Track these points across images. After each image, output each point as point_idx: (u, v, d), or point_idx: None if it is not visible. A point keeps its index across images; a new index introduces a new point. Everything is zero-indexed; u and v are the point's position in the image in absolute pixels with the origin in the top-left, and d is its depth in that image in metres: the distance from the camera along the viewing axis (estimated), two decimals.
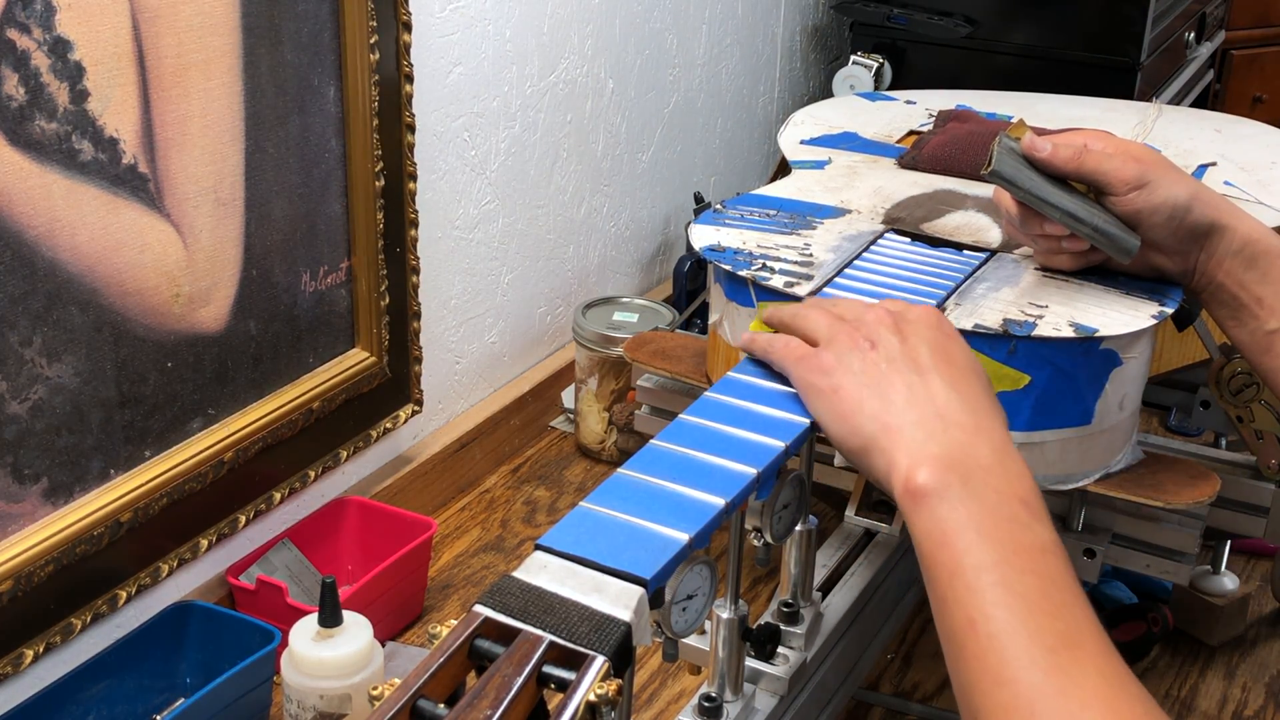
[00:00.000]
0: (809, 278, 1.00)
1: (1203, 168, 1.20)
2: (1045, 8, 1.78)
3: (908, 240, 1.09)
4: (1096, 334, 0.93)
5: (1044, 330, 0.94)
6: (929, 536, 0.71)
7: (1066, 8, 1.76)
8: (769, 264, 1.01)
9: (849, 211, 1.13)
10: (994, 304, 0.97)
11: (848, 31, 1.93)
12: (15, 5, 0.89)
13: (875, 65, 1.84)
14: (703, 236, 1.06)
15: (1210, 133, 1.30)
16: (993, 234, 1.09)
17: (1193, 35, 1.99)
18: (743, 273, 1.01)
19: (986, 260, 1.06)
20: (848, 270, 1.02)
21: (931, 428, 0.75)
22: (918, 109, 1.39)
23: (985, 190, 1.18)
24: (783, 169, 1.37)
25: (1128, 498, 0.99)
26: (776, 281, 0.99)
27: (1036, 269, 1.02)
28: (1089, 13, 1.75)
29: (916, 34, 1.84)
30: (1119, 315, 0.95)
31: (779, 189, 1.18)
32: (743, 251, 1.04)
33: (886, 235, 1.10)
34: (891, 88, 1.85)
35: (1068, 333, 0.93)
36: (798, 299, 0.98)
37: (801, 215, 1.11)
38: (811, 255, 1.04)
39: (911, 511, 0.72)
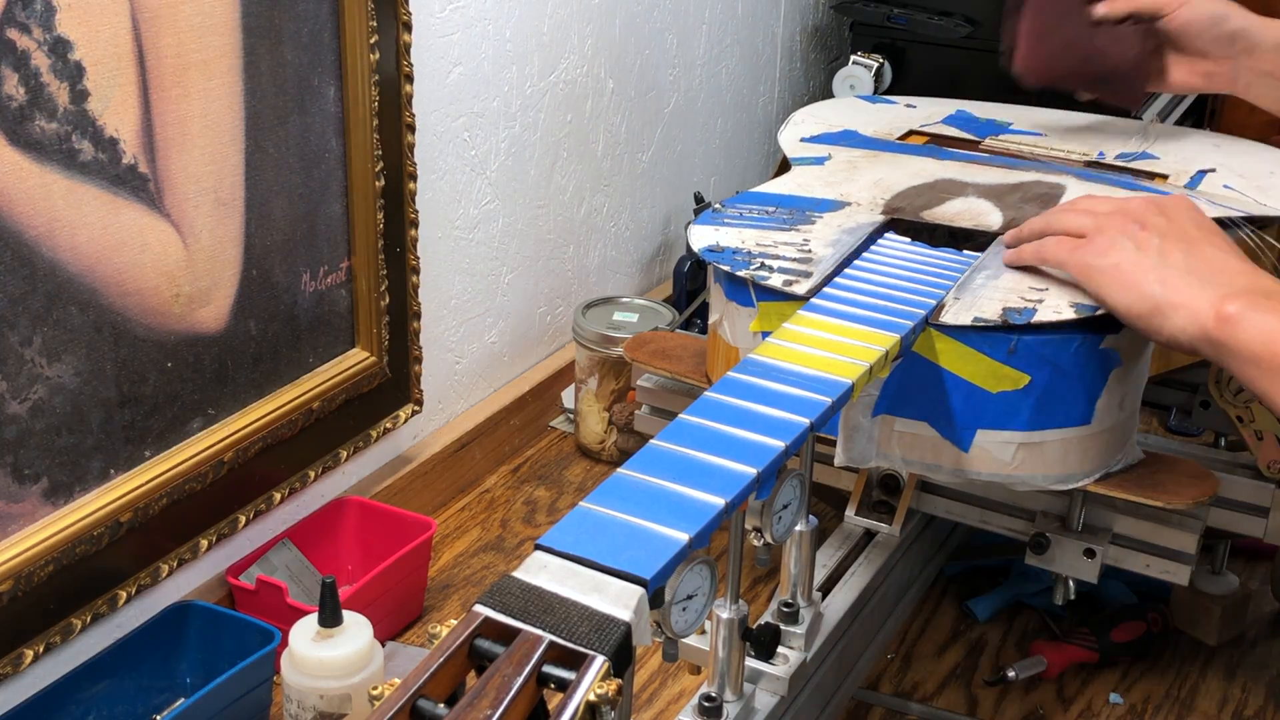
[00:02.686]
0: (808, 275, 1.00)
1: (1201, 173, 1.20)
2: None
3: (908, 240, 1.09)
4: (1098, 313, 0.93)
5: (1044, 315, 0.93)
6: (1256, 341, 0.82)
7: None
8: (767, 263, 1.01)
9: (848, 204, 1.13)
10: (993, 293, 0.97)
11: (848, 31, 1.93)
12: (15, 5, 0.89)
13: (875, 65, 1.84)
14: (702, 237, 1.06)
15: (1209, 147, 1.30)
16: (993, 218, 1.09)
17: None
18: (741, 273, 1.01)
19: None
20: (847, 270, 1.02)
21: (1218, 279, 0.86)
22: (918, 112, 1.39)
23: (987, 177, 1.18)
24: (783, 169, 1.37)
25: (1128, 498, 0.99)
26: (775, 280, 0.99)
27: None
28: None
29: (916, 34, 1.84)
30: None
31: (778, 185, 1.18)
32: (741, 251, 1.04)
33: (887, 235, 1.10)
34: (891, 88, 1.85)
35: (1068, 314, 0.93)
36: (796, 297, 0.98)
37: (800, 210, 1.11)
38: (810, 251, 1.03)
39: (1228, 337, 0.84)
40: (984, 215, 1.09)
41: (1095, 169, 1.22)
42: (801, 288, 0.98)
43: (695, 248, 1.06)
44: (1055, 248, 0.96)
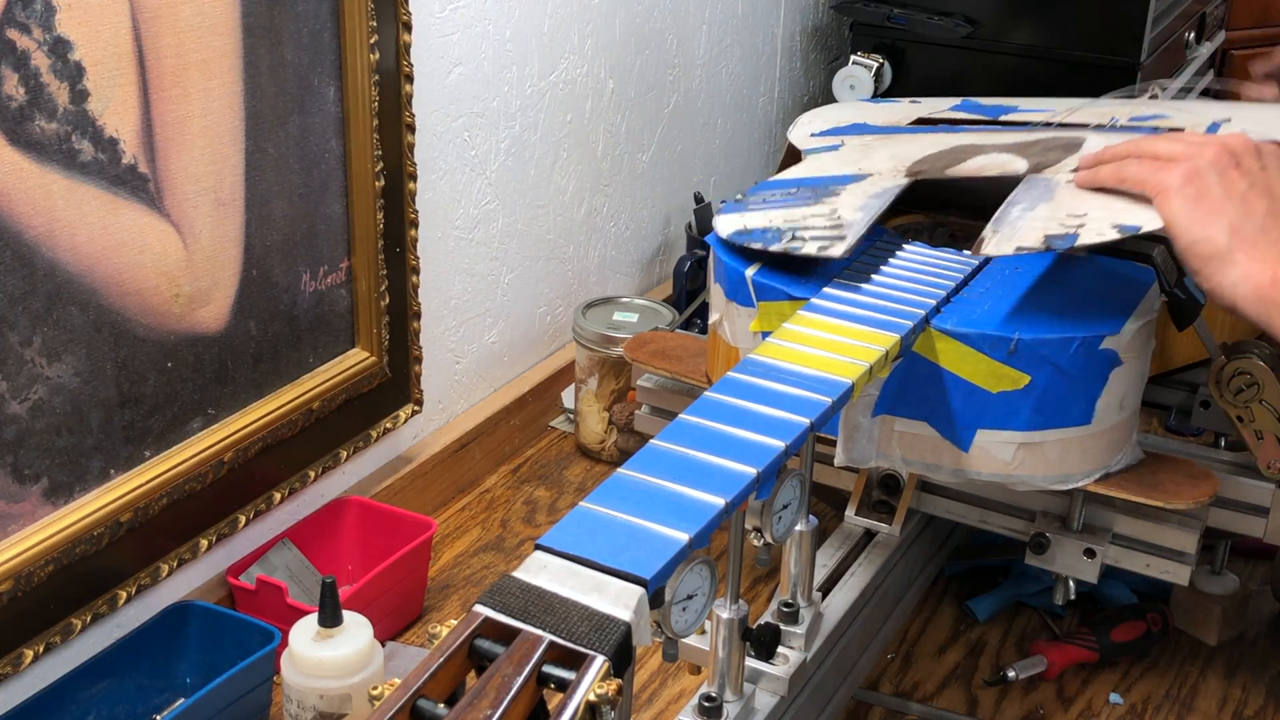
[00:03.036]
0: (841, 238, 0.98)
1: (1215, 124, 1.19)
2: (1045, 8, 1.78)
3: (908, 240, 1.09)
4: (1141, 230, 0.91)
5: (1087, 237, 0.91)
6: None
7: (1066, 8, 1.76)
8: (799, 234, 1.00)
9: (870, 175, 1.11)
10: (1032, 223, 0.95)
11: (848, 31, 1.93)
12: (15, 5, 0.89)
13: (875, 65, 1.83)
14: (729, 225, 1.05)
15: (1221, 108, 1.28)
16: (1018, 165, 1.07)
17: (1193, 35, 1.99)
18: (774, 247, 0.99)
19: (983, 265, 1.06)
20: (848, 271, 1.02)
21: None
22: (923, 107, 1.39)
23: (1005, 139, 1.17)
24: (786, 167, 1.37)
25: (1128, 498, 0.99)
26: (810, 248, 0.98)
27: (1068, 182, 1.00)
28: (1089, 13, 1.75)
29: (916, 34, 1.84)
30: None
31: (794, 172, 1.16)
32: (770, 229, 1.02)
33: (887, 236, 1.10)
34: (891, 88, 1.85)
35: (1111, 235, 0.91)
36: (797, 298, 0.98)
37: (823, 186, 1.09)
38: (840, 218, 1.01)
39: (1275, 310, 0.83)
40: (1009, 164, 1.07)
41: (1112, 131, 1.20)
42: (838, 250, 0.97)
43: (724, 234, 1.04)
44: (1137, 168, 0.91)
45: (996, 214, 0.97)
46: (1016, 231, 0.94)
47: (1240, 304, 0.84)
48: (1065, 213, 0.95)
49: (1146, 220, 0.91)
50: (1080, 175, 0.96)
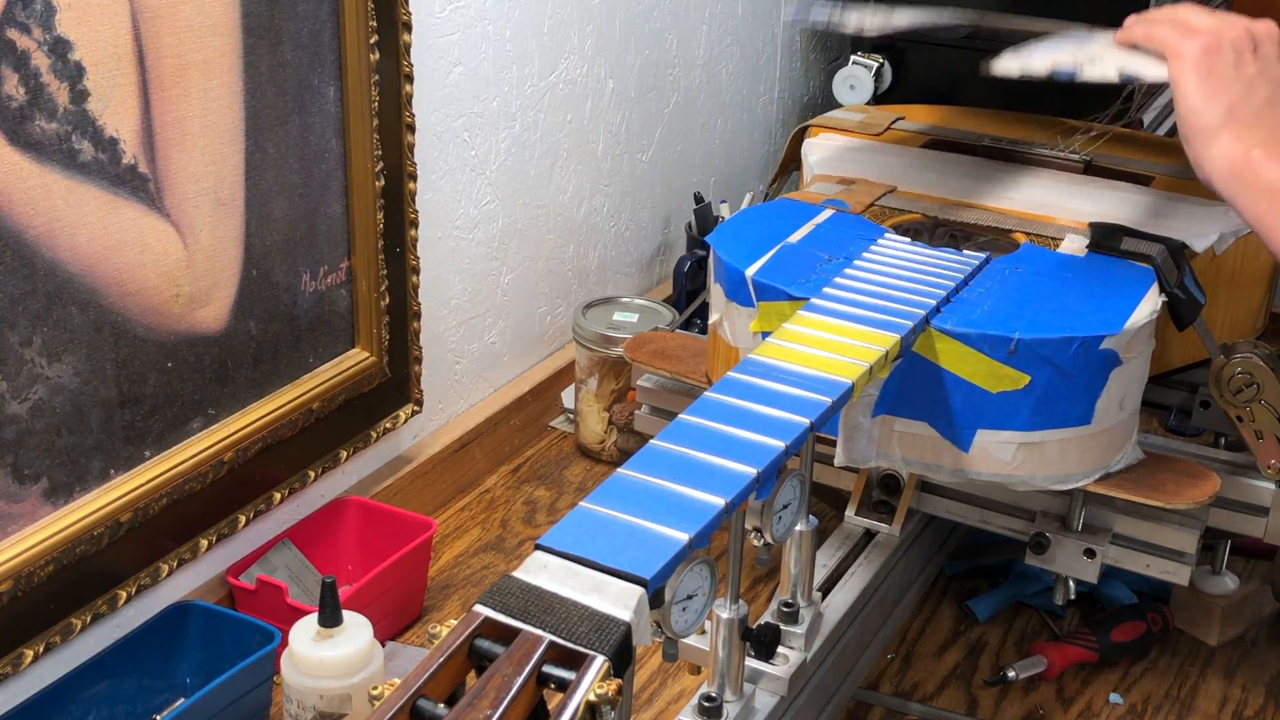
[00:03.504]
0: (889, 13, 1.04)
1: None
2: (1046, 8, 1.77)
3: (907, 240, 1.09)
4: (1139, 78, 0.95)
5: (1090, 73, 0.96)
6: (1266, 194, 0.85)
7: (1067, 8, 1.76)
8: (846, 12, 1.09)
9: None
10: (1048, 55, 1.00)
11: None
12: (15, 5, 0.89)
13: (875, 65, 1.83)
14: (789, 13, 1.16)
15: None
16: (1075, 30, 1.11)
17: None
18: (818, 17, 1.14)
19: (983, 265, 1.06)
20: (848, 270, 1.02)
21: (1276, 134, 0.87)
22: None
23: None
24: (784, 169, 1.37)
25: (1128, 498, 0.99)
26: (852, 19, 1.10)
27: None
28: (1089, 13, 1.74)
29: (917, 34, 1.83)
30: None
31: None
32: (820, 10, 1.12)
33: (886, 235, 1.10)
34: (891, 88, 1.85)
35: (1111, 75, 0.95)
36: (795, 298, 0.98)
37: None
38: (891, 19, 1.09)
39: (1250, 174, 0.86)
40: (1066, 27, 1.11)
41: None
42: (875, 20, 1.05)
43: (787, 19, 1.16)
44: (1166, 30, 0.94)
45: (1023, 45, 1.02)
46: (1032, 59, 0.98)
47: (1214, 178, 0.87)
48: (1085, 54, 0.99)
49: (1150, 72, 0.94)
50: (1120, 31, 1.00)
